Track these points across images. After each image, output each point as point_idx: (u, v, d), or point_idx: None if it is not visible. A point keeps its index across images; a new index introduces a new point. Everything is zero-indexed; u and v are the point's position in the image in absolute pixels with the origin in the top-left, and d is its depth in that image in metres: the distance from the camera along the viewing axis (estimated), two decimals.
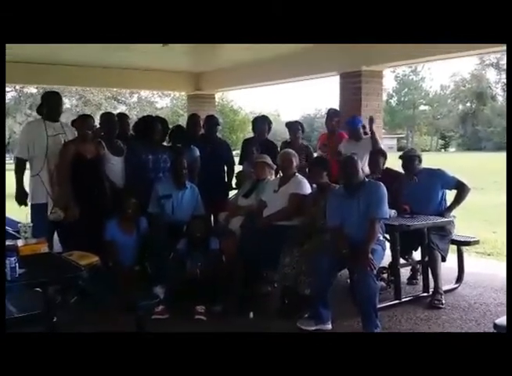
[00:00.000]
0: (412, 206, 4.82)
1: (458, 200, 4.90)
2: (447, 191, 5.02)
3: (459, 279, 5.18)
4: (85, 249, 4.08)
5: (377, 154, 5.30)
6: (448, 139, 56.87)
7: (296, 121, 6.23)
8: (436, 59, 6.40)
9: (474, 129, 49.61)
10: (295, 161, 4.74)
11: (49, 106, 4.92)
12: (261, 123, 6.16)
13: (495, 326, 2.31)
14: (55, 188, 4.77)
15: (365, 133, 5.70)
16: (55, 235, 4.89)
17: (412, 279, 5.32)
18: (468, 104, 53.49)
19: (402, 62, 6.81)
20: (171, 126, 5.97)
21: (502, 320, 2.31)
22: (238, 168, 6.13)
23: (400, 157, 5.11)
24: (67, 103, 20.30)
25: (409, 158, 5.02)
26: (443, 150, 54.73)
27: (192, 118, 6.19)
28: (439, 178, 4.94)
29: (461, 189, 4.87)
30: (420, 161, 5.05)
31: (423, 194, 4.88)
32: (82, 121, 4.89)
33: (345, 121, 5.91)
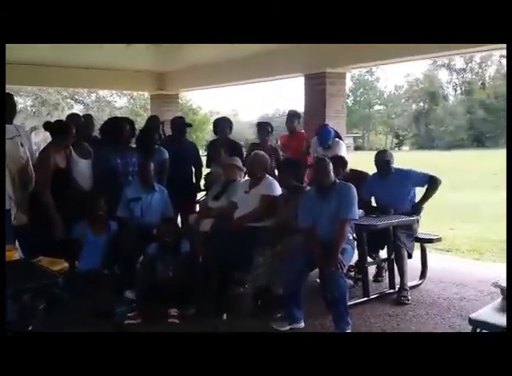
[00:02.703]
0: (385, 206, 4.96)
1: (428, 194, 5.08)
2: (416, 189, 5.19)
3: (423, 275, 5.35)
4: (50, 254, 3.98)
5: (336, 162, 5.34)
6: (402, 138, 58.15)
7: (266, 123, 6.26)
8: (397, 61, 6.58)
9: (427, 128, 50.92)
10: (266, 163, 4.79)
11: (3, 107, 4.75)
12: (223, 124, 6.18)
13: (471, 320, 2.41)
14: (18, 192, 4.63)
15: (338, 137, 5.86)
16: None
17: (377, 276, 5.47)
18: (421, 104, 54.83)
19: (365, 64, 6.99)
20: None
21: (477, 315, 2.41)
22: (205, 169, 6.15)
23: (375, 160, 5.19)
24: (22, 103, 19.69)
25: (386, 162, 5.11)
26: (397, 148, 55.95)
27: (153, 120, 6.15)
28: (411, 178, 5.10)
29: (432, 184, 5.04)
30: (393, 162, 5.18)
31: (395, 194, 5.04)
32: (66, 126, 4.79)
33: (316, 131, 5.95)
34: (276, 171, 5.21)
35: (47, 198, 4.58)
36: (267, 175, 4.77)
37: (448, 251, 7.13)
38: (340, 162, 5.26)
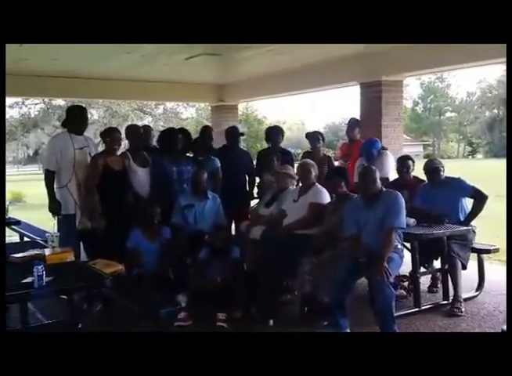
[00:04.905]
0: (438, 215, 4.86)
1: (475, 210, 4.95)
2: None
3: (480, 287, 5.19)
4: (110, 257, 4.17)
5: (405, 159, 5.36)
6: (476, 146, 56.05)
7: (315, 131, 6.30)
8: (453, 68, 6.45)
9: (501, 136, 48.76)
10: (314, 171, 4.83)
11: (76, 120, 5.10)
12: (275, 132, 6.27)
13: (503, 331, 2.36)
14: (83, 199, 4.94)
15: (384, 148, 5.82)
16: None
17: (432, 287, 5.35)
18: (495, 111, 52.61)
19: (421, 71, 6.88)
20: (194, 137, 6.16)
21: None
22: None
23: (424, 169, 5.13)
24: (95, 114, 20.61)
25: (435, 170, 5.04)
26: (470, 156, 53.96)
27: (205, 130, 6.36)
28: (458, 187, 4.98)
29: (478, 199, 4.90)
30: (444, 170, 5.09)
31: (446, 203, 4.92)
32: (108, 134, 5.08)
33: (363, 143, 5.92)
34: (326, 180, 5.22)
35: (90, 199, 4.82)
36: (316, 184, 4.81)
37: None
38: (407, 161, 5.28)
